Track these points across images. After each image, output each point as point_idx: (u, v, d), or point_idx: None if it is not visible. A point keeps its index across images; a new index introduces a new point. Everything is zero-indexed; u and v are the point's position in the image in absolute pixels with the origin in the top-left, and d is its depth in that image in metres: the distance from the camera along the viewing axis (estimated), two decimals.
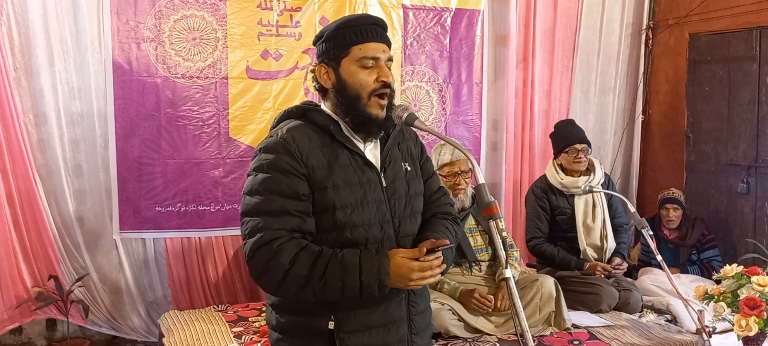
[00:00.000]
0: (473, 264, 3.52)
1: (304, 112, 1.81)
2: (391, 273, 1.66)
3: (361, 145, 1.80)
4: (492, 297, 3.36)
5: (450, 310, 3.31)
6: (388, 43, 1.80)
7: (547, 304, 3.43)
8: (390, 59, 1.79)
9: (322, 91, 1.82)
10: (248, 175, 1.75)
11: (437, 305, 3.31)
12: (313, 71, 1.82)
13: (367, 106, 1.74)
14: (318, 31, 1.83)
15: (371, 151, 1.82)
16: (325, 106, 1.83)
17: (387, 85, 1.75)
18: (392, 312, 1.79)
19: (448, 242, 1.74)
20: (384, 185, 1.79)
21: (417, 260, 1.68)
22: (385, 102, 1.76)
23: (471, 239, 3.53)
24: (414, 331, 1.85)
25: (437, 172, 3.49)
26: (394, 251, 1.70)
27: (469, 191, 3.51)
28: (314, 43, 1.83)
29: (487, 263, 3.57)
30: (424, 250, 1.69)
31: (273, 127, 1.84)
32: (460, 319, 3.33)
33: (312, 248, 1.67)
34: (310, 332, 1.75)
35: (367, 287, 1.65)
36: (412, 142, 1.95)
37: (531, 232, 4.03)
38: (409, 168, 1.88)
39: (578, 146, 3.91)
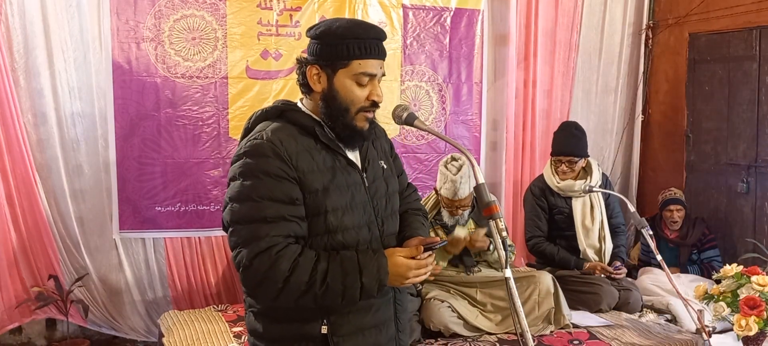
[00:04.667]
0: (472, 268, 3.53)
1: (282, 113, 1.74)
2: (389, 272, 1.65)
3: (343, 146, 1.77)
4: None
5: (449, 307, 3.31)
6: (385, 57, 1.76)
7: (545, 300, 3.43)
8: (383, 75, 1.76)
9: (306, 88, 1.75)
10: (231, 180, 1.66)
11: (436, 302, 3.31)
12: (301, 65, 1.73)
13: (354, 119, 1.71)
14: (318, 22, 1.76)
15: (351, 152, 1.79)
16: (304, 105, 1.77)
17: (376, 104, 1.72)
18: (383, 313, 1.79)
19: (439, 240, 1.74)
20: (366, 185, 1.77)
21: (413, 258, 1.68)
22: (371, 116, 1.74)
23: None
24: (400, 329, 1.86)
25: (439, 192, 3.48)
26: (391, 251, 1.69)
27: (467, 213, 3.51)
28: (309, 35, 1.74)
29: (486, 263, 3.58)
30: (421, 249, 1.68)
31: (248, 129, 1.76)
32: (460, 317, 3.33)
33: (309, 253, 1.63)
34: (303, 339, 1.72)
35: (367, 288, 1.63)
36: (383, 138, 1.94)
37: (530, 231, 4.03)
38: (385, 166, 1.87)
39: (563, 159, 3.89)
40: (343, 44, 1.67)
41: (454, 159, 3.48)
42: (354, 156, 1.79)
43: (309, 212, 1.67)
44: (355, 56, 1.67)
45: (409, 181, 2.08)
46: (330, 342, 1.71)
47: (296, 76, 1.78)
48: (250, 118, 1.79)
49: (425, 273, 1.70)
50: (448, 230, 3.44)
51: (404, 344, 1.90)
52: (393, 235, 1.83)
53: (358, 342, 1.74)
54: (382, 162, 1.87)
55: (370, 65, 1.69)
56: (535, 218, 4.01)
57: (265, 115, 1.76)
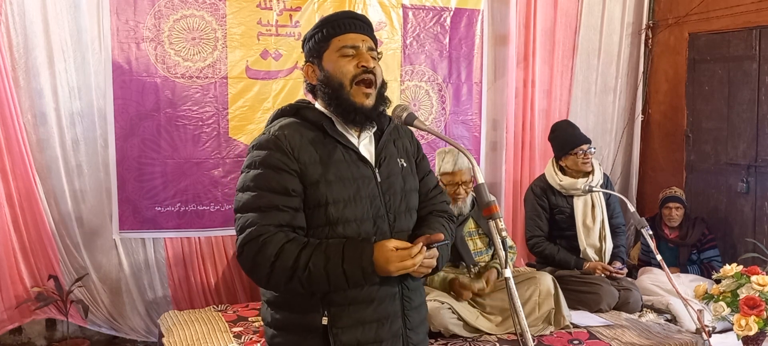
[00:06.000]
0: (471, 266, 3.53)
1: (297, 110, 1.83)
2: (375, 260, 1.66)
3: (355, 141, 1.81)
4: (475, 286, 3.36)
5: (449, 309, 3.31)
6: (371, 36, 1.82)
7: (545, 301, 3.43)
8: (372, 49, 1.81)
9: (312, 90, 1.85)
10: (241, 172, 1.77)
11: (436, 303, 3.31)
12: (304, 77, 1.86)
13: (350, 94, 1.76)
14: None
15: (366, 147, 1.83)
16: (318, 105, 1.85)
17: (368, 70, 1.76)
18: (386, 308, 1.79)
19: (442, 236, 1.74)
20: (379, 180, 1.80)
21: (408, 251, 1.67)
22: (370, 90, 1.77)
23: (470, 243, 3.52)
24: (408, 326, 1.85)
25: (438, 177, 3.49)
26: (386, 240, 1.70)
27: (469, 199, 3.50)
28: (302, 49, 1.87)
29: (486, 263, 3.57)
30: (421, 244, 1.68)
31: (268, 125, 1.86)
32: (460, 318, 3.32)
33: (298, 240, 1.69)
34: (305, 328, 1.77)
35: (350, 276, 1.65)
36: (407, 139, 1.96)
37: (531, 230, 4.03)
38: (404, 164, 1.89)
39: (585, 147, 3.90)
40: (320, 31, 1.80)
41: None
42: (368, 151, 1.83)
43: (310, 203, 1.72)
44: (331, 35, 1.79)
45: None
46: (329, 333, 1.74)
47: (304, 85, 1.89)
48: (271, 115, 1.90)
49: (413, 265, 1.68)
50: (454, 220, 3.44)
51: (416, 342, 1.89)
52: (405, 232, 1.83)
53: (357, 335, 1.76)
54: (402, 160, 1.89)
55: (349, 38, 1.78)
56: (535, 217, 4.01)
57: (282, 112, 1.86)
